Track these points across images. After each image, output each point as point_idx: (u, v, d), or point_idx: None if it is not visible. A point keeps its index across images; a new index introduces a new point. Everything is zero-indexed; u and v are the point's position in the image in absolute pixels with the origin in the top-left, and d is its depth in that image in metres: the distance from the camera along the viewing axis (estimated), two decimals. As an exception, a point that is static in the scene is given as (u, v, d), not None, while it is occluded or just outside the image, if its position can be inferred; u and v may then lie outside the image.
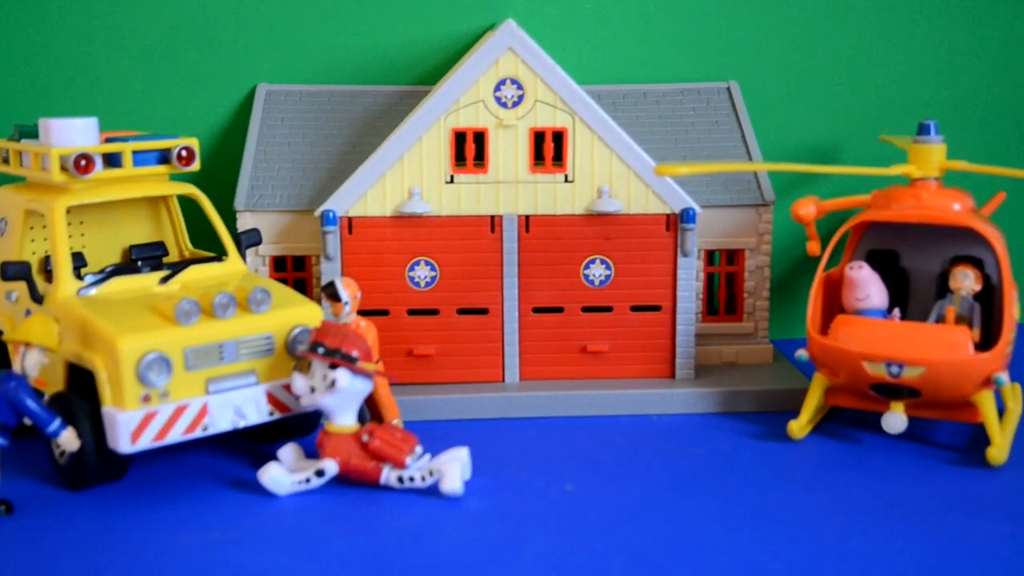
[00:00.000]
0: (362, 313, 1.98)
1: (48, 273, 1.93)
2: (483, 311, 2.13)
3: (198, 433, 1.72)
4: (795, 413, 2.00)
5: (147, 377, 1.66)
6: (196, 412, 1.71)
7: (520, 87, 2.05)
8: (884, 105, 2.48)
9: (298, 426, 1.92)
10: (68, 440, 1.69)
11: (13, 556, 1.56)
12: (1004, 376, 1.82)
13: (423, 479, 1.74)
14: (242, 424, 1.76)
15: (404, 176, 2.07)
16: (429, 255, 2.10)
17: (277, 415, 1.80)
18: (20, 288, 1.88)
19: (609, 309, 2.14)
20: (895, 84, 2.48)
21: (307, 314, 1.83)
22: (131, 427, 1.66)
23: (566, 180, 2.08)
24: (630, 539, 1.59)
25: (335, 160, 2.21)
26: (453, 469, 1.72)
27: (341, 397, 1.74)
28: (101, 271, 1.86)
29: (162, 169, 1.92)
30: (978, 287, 1.94)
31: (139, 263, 1.95)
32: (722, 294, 2.28)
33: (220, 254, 1.97)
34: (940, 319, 1.94)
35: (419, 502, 1.72)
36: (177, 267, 1.90)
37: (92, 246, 2.01)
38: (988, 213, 2.19)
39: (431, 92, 2.12)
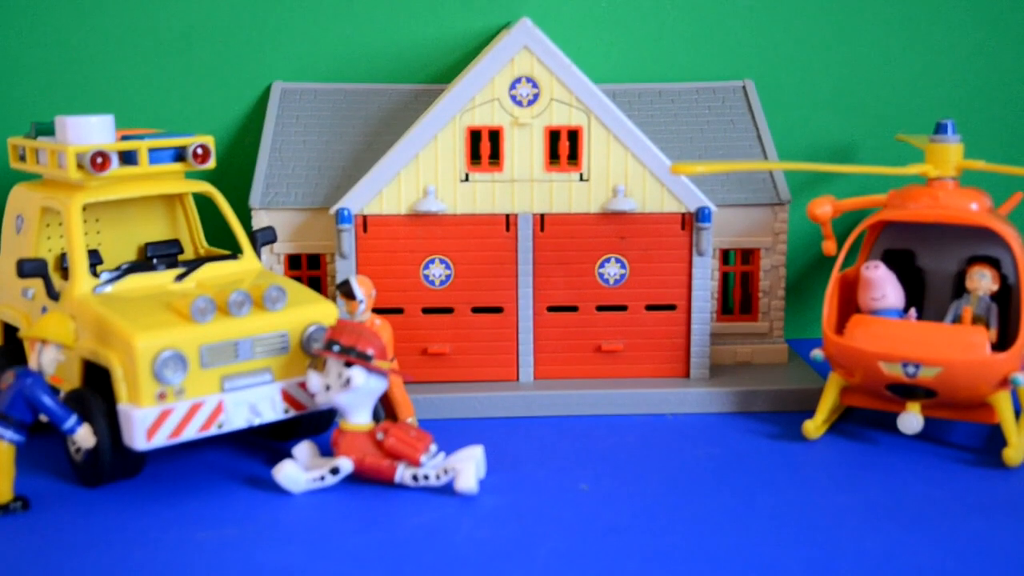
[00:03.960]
0: (377, 311, 1.99)
1: (64, 270, 1.93)
2: (498, 310, 2.13)
3: (213, 430, 1.72)
4: (810, 413, 2.00)
5: (163, 374, 1.66)
6: (211, 409, 1.71)
7: (535, 85, 2.05)
8: (901, 104, 2.47)
9: (313, 424, 1.93)
10: (84, 437, 1.70)
11: (29, 552, 1.57)
12: (1021, 376, 1.81)
13: (438, 477, 1.74)
14: (257, 422, 1.76)
15: (419, 174, 2.07)
16: (444, 254, 2.10)
17: (292, 413, 1.80)
18: (36, 285, 1.88)
19: (624, 308, 2.14)
20: (912, 83, 2.47)
21: (322, 312, 1.83)
22: (147, 424, 1.66)
23: (581, 179, 2.08)
24: (644, 538, 1.59)
25: (350, 158, 2.21)
26: (468, 467, 1.72)
27: (356, 395, 1.74)
28: (117, 268, 1.86)
29: (178, 167, 1.93)
30: (995, 287, 1.94)
31: (155, 261, 1.95)
32: (737, 293, 2.28)
33: (235, 252, 1.97)
34: (957, 319, 1.94)
35: (434, 500, 1.72)
36: (192, 265, 1.90)
37: (108, 243, 2.02)
38: (1005, 213, 2.18)
39: (446, 90, 2.12)
